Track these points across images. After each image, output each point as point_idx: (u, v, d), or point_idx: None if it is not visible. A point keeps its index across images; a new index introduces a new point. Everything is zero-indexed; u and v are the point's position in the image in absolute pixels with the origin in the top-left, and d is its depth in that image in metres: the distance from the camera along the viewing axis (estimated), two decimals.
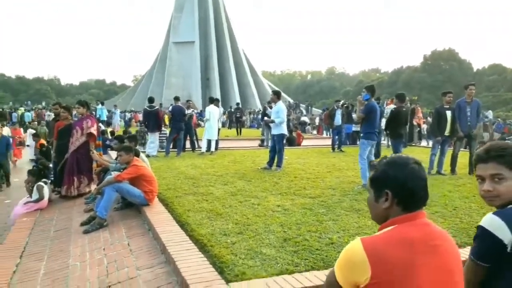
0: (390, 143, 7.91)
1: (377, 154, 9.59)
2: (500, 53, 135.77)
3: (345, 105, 13.72)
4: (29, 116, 29.01)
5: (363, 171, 6.37)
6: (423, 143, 16.36)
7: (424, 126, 18.09)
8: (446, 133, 7.71)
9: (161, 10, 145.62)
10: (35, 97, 65.91)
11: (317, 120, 26.83)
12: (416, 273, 1.24)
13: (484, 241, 1.52)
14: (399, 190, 1.37)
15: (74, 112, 8.58)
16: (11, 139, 12.75)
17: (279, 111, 8.13)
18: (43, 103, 52.65)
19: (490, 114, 26.99)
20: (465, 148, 8.91)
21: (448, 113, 7.68)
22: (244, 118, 28.00)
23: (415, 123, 14.82)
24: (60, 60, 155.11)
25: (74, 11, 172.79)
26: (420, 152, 11.06)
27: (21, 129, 17.66)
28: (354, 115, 15.06)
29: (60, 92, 78.40)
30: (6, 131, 13.11)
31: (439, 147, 7.81)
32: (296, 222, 4.41)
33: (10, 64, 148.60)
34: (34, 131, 14.61)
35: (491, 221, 1.51)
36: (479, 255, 1.53)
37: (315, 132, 25.21)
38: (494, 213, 1.54)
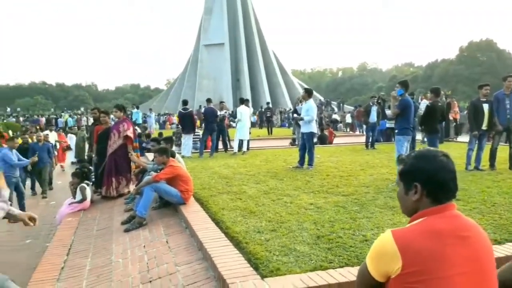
0: (425, 138, 7.73)
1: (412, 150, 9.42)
2: None
3: (378, 101, 13.51)
4: (71, 121, 30.32)
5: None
6: (461, 138, 15.82)
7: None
8: (484, 127, 7.47)
9: (191, 13, 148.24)
10: (75, 103, 68.85)
11: (348, 118, 26.50)
12: (445, 263, 1.27)
13: None
14: (428, 182, 1.41)
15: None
16: (57, 144, 13.39)
17: (309, 109, 8.15)
18: (82, 109, 54.86)
19: None
20: (505, 142, 8.58)
21: (485, 106, 7.43)
22: (274, 117, 28.09)
23: (451, 117, 14.38)
24: (97, 66, 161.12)
25: (110, 20, 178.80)
26: (457, 147, 10.74)
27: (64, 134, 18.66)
28: (388, 111, 14.85)
29: (97, 97, 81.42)
30: (53, 136, 13.48)
31: (477, 142, 7.57)
32: (329, 219, 4.44)
33: (50, 72, 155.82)
34: (74, 136, 15.31)
35: None
36: None
37: (347, 129, 24.88)
38: None
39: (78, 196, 6.51)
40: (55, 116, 36.92)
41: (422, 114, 7.53)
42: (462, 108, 20.81)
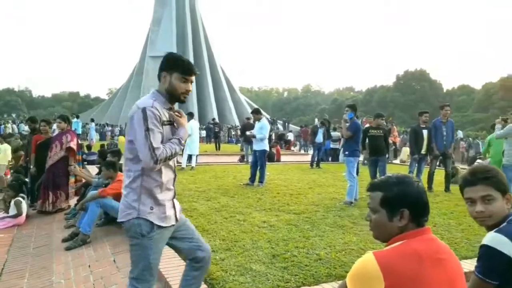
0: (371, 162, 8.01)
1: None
2: (468, 74, 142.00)
3: (322, 122, 14.00)
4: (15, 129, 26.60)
5: (351, 188, 6.48)
6: (397, 160, 16.80)
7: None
8: (423, 151, 7.98)
9: (138, 22, 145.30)
10: (5, 109, 63.94)
11: (290, 136, 27.14)
12: (425, 285, 1.32)
13: (491, 258, 1.61)
14: (415, 207, 1.45)
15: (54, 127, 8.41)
16: None
17: (263, 128, 8.23)
18: (14, 115, 51.12)
19: (460, 133, 28.01)
20: (439, 166, 9.22)
21: (425, 132, 7.96)
22: (222, 133, 28.05)
23: (390, 141, 15.23)
24: (32, 71, 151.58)
25: (47, 21, 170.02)
26: (397, 169, 11.37)
27: None
28: (333, 133, 15.41)
29: (31, 104, 76.33)
30: None
31: (416, 165, 8.06)
32: (283, 238, 4.45)
33: None
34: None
35: (494, 239, 1.61)
36: (487, 273, 1.62)
37: (296, 148, 25.42)
38: (495, 231, 1.65)
39: (12, 211, 5.98)
40: None
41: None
42: (400, 133, 22.16)
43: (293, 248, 4.12)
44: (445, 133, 7.89)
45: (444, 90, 65.62)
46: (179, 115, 2.33)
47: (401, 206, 1.45)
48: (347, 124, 6.80)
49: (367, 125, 10.45)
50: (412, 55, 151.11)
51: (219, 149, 20.71)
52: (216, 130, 23.24)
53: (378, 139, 7.44)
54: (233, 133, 33.12)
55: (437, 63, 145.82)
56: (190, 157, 11.26)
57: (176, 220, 2.40)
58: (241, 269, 3.51)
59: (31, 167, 6.87)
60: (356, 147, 6.72)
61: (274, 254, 3.91)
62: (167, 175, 2.30)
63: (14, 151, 11.18)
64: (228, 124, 41.36)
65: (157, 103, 2.24)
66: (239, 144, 22.87)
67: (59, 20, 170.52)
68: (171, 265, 3.55)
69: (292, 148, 25.56)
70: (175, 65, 2.33)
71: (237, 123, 45.68)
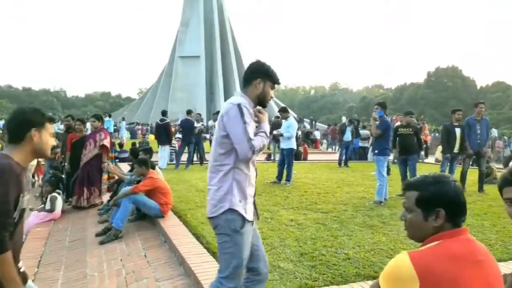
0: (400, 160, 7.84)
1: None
2: (504, 71, 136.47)
3: (351, 120, 13.82)
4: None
5: (381, 187, 6.37)
6: (429, 159, 16.38)
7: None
8: (455, 150, 7.75)
9: (168, 24, 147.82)
10: (42, 109, 66.45)
11: (317, 134, 26.90)
12: (461, 287, 1.29)
13: None
14: (451, 207, 1.42)
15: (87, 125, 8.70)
16: None
17: (290, 126, 8.23)
18: (49, 114, 52.99)
19: (495, 132, 26.98)
20: (472, 165, 8.93)
21: (457, 131, 7.72)
22: None
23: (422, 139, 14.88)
24: (67, 72, 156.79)
25: (81, 24, 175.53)
26: (428, 168, 11.08)
27: None
28: (362, 131, 15.19)
29: (66, 104, 79.01)
30: None
31: (448, 164, 7.84)
32: (310, 236, 4.44)
33: (17, 75, 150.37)
34: None
35: None
36: None
37: (323, 146, 25.17)
38: None
39: (48, 206, 6.23)
40: None
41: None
42: (430, 131, 21.60)
43: (321, 247, 4.10)
44: (479, 132, 7.63)
45: (478, 87, 63.39)
46: (262, 112, 2.44)
47: (437, 206, 1.42)
48: (377, 122, 6.69)
49: (398, 123, 10.26)
50: (444, 51, 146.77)
51: None
52: None
53: (408, 137, 7.29)
54: None
55: (470, 60, 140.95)
56: None
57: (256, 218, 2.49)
58: (269, 267, 3.52)
59: (66, 164, 7.14)
60: (386, 146, 6.60)
61: (302, 253, 3.91)
62: (252, 171, 2.40)
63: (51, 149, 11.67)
64: None
65: (247, 102, 2.37)
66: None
67: (92, 22, 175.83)
68: (199, 261, 3.61)
69: (320, 147, 25.34)
70: (269, 74, 2.47)
71: None
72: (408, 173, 7.26)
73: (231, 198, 2.26)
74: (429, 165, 13.05)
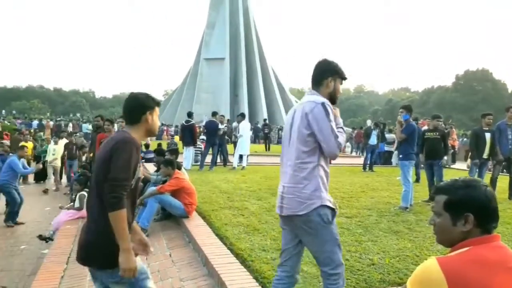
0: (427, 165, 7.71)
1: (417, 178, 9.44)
2: None
3: (376, 123, 13.63)
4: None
5: (406, 193, 6.24)
6: (456, 165, 15.96)
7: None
8: (484, 156, 7.52)
9: (193, 26, 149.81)
10: (71, 109, 68.58)
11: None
12: None
13: None
14: (482, 212, 1.40)
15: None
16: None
17: None
18: (78, 115, 54.60)
19: None
20: (503, 171, 8.66)
21: (487, 136, 7.50)
22: (272, 134, 28.15)
23: (449, 144, 14.52)
24: (96, 73, 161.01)
25: (109, 26, 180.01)
26: (454, 174, 10.80)
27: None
28: (387, 135, 14.96)
29: (94, 104, 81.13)
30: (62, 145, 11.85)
31: (477, 170, 7.62)
32: None
33: (48, 76, 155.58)
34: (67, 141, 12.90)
35: None
36: None
37: (348, 150, 24.87)
38: None
39: (77, 204, 6.42)
40: (64, 120, 34.42)
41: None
42: (458, 136, 21.03)
43: (345, 252, 4.05)
44: (510, 137, 7.38)
45: (509, 91, 61.20)
46: (335, 108, 2.53)
47: (466, 210, 1.40)
48: (402, 126, 6.58)
49: (425, 127, 10.06)
50: (474, 54, 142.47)
51: (269, 150, 20.82)
52: (266, 131, 23.36)
53: (434, 142, 7.14)
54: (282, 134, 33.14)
55: (501, 62, 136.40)
56: (241, 157, 11.44)
57: None
58: None
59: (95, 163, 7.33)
60: (411, 150, 6.46)
61: None
62: (329, 167, 2.50)
63: (80, 148, 12.03)
64: (278, 125, 41.41)
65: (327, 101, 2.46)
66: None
67: (119, 26, 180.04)
68: (223, 262, 3.65)
69: (346, 150, 25.01)
70: (338, 71, 2.56)
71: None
72: (434, 178, 7.11)
73: (320, 194, 2.35)
74: (455, 171, 12.72)
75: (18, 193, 7.56)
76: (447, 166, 14.16)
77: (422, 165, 9.42)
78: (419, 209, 6.27)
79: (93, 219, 2.12)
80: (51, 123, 30.13)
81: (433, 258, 1.34)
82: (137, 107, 2.24)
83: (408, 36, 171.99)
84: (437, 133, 7.20)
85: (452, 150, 15.60)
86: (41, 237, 6.08)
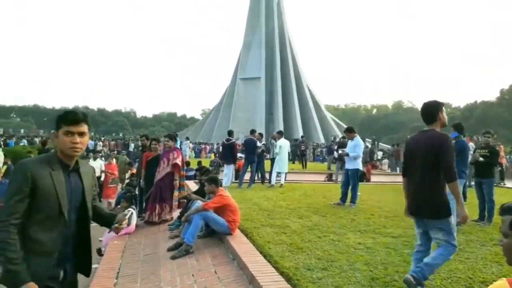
0: (475, 184, 7.41)
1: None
2: None
3: None
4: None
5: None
6: (506, 183, 15.17)
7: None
8: None
9: (229, 47, 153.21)
10: (114, 129, 71.42)
11: (379, 154, 26.09)
12: None
13: None
14: None
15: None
16: (102, 175, 10.99)
17: (357, 146, 8.10)
18: (121, 134, 56.66)
19: None
20: None
21: None
22: (308, 151, 27.95)
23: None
24: (137, 93, 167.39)
25: (149, 49, 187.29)
26: (505, 193, 10.27)
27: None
28: None
29: (135, 124, 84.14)
30: (97, 165, 11.02)
31: None
32: (381, 261, 4.31)
33: (93, 97, 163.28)
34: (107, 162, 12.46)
35: None
36: None
37: (385, 167, 24.30)
38: None
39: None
40: (122, 139, 34.75)
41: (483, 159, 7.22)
42: (506, 153, 20.02)
43: (393, 272, 3.97)
44: None
45: None
46: None
47: None
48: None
49: (471, 144, 9.71)
50: None
51: (305, 168, 20.68)
52: (302, 149, 23.25)
53: (484, 159, 6.88)
54: (319, 151, 32.84)
55: None
56: (278, 174, 11.45)
57: None
58: None
59: (141, 181, 7.59)
60: (462, 168, 6.25)
61: (373, 277, 3.81)
62: None
63: (122, 165, 12.49)
64: (314, 142, 41.12)
65: None
66: (325, 163, 22.59)
67: (158, 45, 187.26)
68: (269, 280, 3.65)
69: (381, 166, 24.43)
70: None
71: (323, 141, 45.24)
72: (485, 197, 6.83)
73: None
74: (505, 189, 12.09)
75: None
76: (498, 184, 13.51)
77: (472, 184, 9.08)
78: (469, 229, 6.00)
79: None
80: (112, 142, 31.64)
81: (504, 280, 1.31)
82: (435, 107, 3.66)
83: (450, 50, 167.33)
84: (487, 150, 6.93)
85: (500, 168, 14.86)
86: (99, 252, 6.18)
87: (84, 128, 2.13)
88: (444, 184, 3.45)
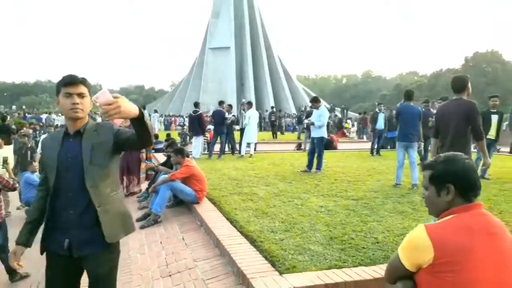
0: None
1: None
2: None
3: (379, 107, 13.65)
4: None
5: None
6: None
7: None
8: (491, 136, 7.57)
9: (197, 16, 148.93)
10: None
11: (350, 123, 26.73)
12: (474, 255, 1.41)
13: None
14: (460, 183, 1.55)
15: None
16: None
17: (322, 115, 8.29)
18: None
19: None
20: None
21: (493, 117, 7.56)
22: (279, 121, 28.21)
23: None
24: (103, 66, 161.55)
25: (116, 20, 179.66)
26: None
27: None
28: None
29: None
30: None
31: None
32: (340, 222, 4.56)
33: (56, 70, 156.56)
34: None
35: None
36: None
37: (353, 135, 24.91)
38: None
39: None
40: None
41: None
42: None
43: (350, 231, 4.22)
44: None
45: None
46: None
47: (447, 182, 1.56)
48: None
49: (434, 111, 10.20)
50: (482, 35, 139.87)
51: (276, 137, 20.95)
52: (273, 119, 23.43)
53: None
54: (290, 120, 33.18)
55: (511, 43, 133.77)
56: (248, 145, 11.60)
57: None
58: (299, 249, 3.70)
59: None
60: (412, 131, 6.97)
61: (332, 237, 4.04)
62: None
63: None
64: (285, 112, 41.40)
65: None
66: (296, 132, 22.93)
67: (124, 17, 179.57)
68: (233, 243, 3.82)
69: (350, 134, 25.00)
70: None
71: (294, 111, 45.61)
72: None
73: None
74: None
75: None
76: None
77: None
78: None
79: None
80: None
81: (422, 226, 1.49)
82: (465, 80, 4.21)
83: (416, 19, 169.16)
84: None
85: None
86: None
87: (83, 89, 2.11)
88: (469, 143, 4.10)
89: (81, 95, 2.10)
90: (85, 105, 2.12)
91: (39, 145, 9.89)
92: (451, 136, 4.11)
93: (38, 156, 8.20)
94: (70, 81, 2.08)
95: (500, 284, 1.43)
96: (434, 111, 9.13)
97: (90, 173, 2.09)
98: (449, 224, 1.49)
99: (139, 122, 1.92)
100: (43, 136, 10.73)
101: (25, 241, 2.16)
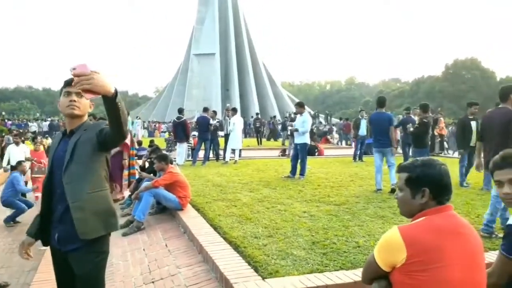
0: (412, 153, 8.07)
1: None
2: None
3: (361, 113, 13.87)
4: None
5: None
6: (445, 153, 16.28)
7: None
8: (471, 144, 7.74)
9: (182, 22, 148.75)
10: None
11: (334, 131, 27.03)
12: (444, 254, 1.49)
13: None
14: (436, 187, 1.63)
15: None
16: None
17: (305, 121, 8.38)
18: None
19: None
20: None
21: (473, 124, 7.72)
22: (264, 128, 28.29)
23: (436, 133, 14.79)
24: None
25: (99, 25, 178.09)
26: (444, 161, 11.05)
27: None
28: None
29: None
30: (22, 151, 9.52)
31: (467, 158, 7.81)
32: (323, 227, 4.63)
33: (37, 76, 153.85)
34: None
35: None
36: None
37: (335, 141, 25.19)
38: None
39: None
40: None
41: (413, 130, 7.84)
42: (448, 124, 21.34)
43: (332, 236, 4.28)
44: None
45: (498, 79, 61.92)
46: None
47: (423, 185, 1.64)
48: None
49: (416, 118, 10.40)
50: (462, 43, 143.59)
51: (260, 144, 21.03)
52: (257, 125, 23.53)
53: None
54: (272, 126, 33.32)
55: (489, 51, 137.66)
56: (233, 151, 11.62)
57: None
58: (282, 254, 3.74)
59: None
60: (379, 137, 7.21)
61: (314, 241, 4.10)
62: None
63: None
64: (270, 119, 41.55)
65: None
66: (280, 139, 23.06)
67: (107, 21, 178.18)
68: (217, 249, 3.84)
69: (332, 140, 25.24)
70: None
71: (279, 117, 45.84)
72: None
73: None
74: (447, 158, 13.02)
75: (25, 202, 7.49)
76: (438, 154, 14.50)
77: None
78: None
79: None
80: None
81: (395, 227, 1.56)
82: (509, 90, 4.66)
83: (399, 27, 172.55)
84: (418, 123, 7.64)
85: (440, 139, 15.90)
86: None
87: None
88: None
89: (79, 94, 2.18)
90: (83, 103, 2.22)
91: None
92: (496, 142, 4.56)
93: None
94: (70, 81, 2.15)
95: (469, 283, 1.50)
96: (416, 118, 9.34)
97: (68, 170, 2.13)
98: (421, 225, 1.57)
99: (111, 102, 1.89)
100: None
101: (32, 232, 2.28)
